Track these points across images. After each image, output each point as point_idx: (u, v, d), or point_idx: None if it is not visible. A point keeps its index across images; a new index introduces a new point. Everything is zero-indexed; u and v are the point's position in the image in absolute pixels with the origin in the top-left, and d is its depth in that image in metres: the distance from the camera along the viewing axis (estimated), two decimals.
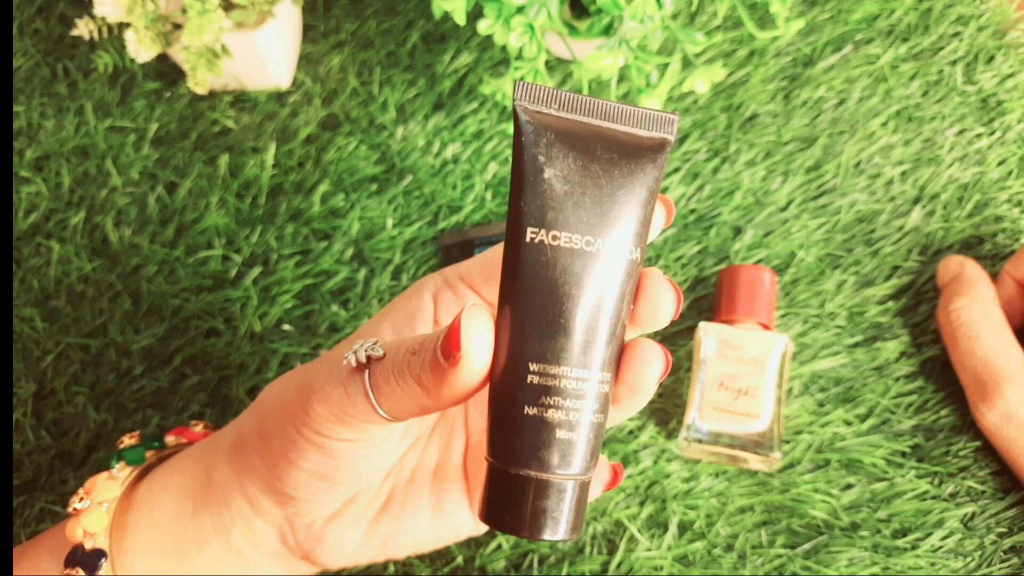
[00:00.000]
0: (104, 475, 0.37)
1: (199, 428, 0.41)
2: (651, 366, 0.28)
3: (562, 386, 0.26)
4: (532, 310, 0.27)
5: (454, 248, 0.49)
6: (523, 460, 0.26)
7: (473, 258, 0.35)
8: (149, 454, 0.38)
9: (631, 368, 0.28)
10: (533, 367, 0.26)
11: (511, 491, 0.27)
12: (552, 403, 0.26)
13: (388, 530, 0.36)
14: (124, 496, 0.36)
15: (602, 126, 0.28)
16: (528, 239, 0.27)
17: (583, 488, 0.27)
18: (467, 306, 0.27)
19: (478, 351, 0.26)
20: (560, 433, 0.26)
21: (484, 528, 0.37)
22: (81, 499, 0.35)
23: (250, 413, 0.37)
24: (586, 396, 0.27)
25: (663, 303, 0.28)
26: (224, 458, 0.36)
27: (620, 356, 0.28)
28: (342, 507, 0.35)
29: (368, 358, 0.29)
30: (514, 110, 0.28)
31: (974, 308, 0.45)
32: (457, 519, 0.37)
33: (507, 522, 0.27)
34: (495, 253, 0.33)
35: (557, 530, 0.27)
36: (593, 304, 0.27)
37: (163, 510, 0.36)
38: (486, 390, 0.28)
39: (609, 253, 0.27)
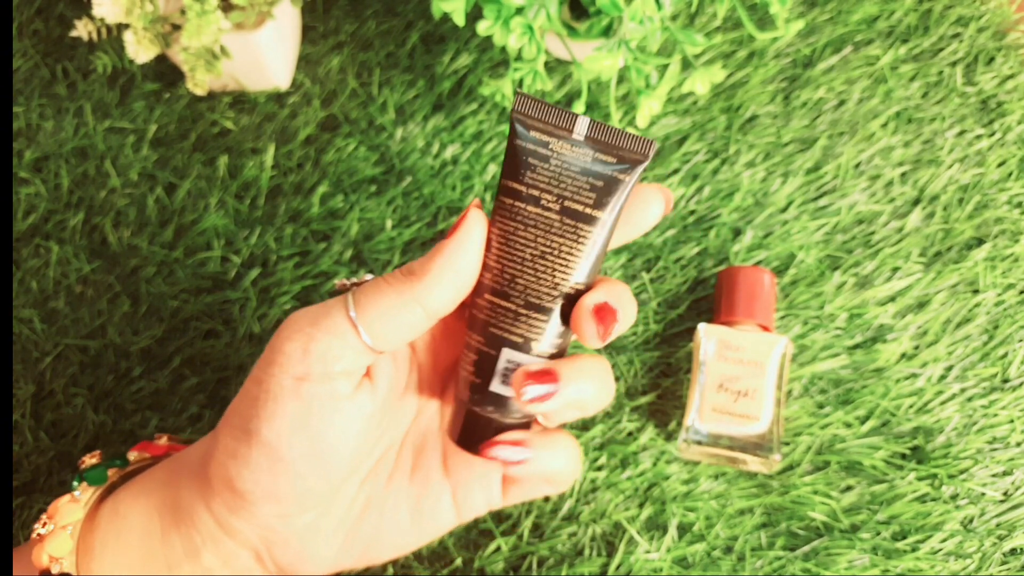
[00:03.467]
0: (67, 498, 0.36)
1: (163, 441, 0.40)
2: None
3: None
4: None
5: None
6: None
7: None
8: (111, 472, 0.37)
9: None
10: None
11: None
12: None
13: (367, 538, 0.36)
14: (88, 517, 0.35)
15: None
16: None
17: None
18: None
19: (476, 222, 0.31)
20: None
21: (467, 519, 0.37)
22: (44, 524, 0.34)
23: (215, 429, 0.36)
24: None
25: (587, 333, 0.31)
26: (189, 480, 0.35)
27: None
28: (317, 520, 0.34)
29: (357, 281, 0.32)
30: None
31: None
32: (438, 518, 0.36)
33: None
34: None
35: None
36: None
37: (131, 532, 0.35)
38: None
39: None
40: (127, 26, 0.49)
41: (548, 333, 0.32)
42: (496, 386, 0.33)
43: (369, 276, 0.32)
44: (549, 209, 0.32)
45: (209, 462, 0.33)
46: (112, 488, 0.37)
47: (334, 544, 0.35)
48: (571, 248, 0.32)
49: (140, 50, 0.48)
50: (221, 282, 0.51)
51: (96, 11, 0.47)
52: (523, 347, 0.32)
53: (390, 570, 0.44)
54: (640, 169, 0.32)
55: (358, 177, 0.53)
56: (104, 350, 0.49)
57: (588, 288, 0.32)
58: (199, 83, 0.51)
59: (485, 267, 0.33)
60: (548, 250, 0.32)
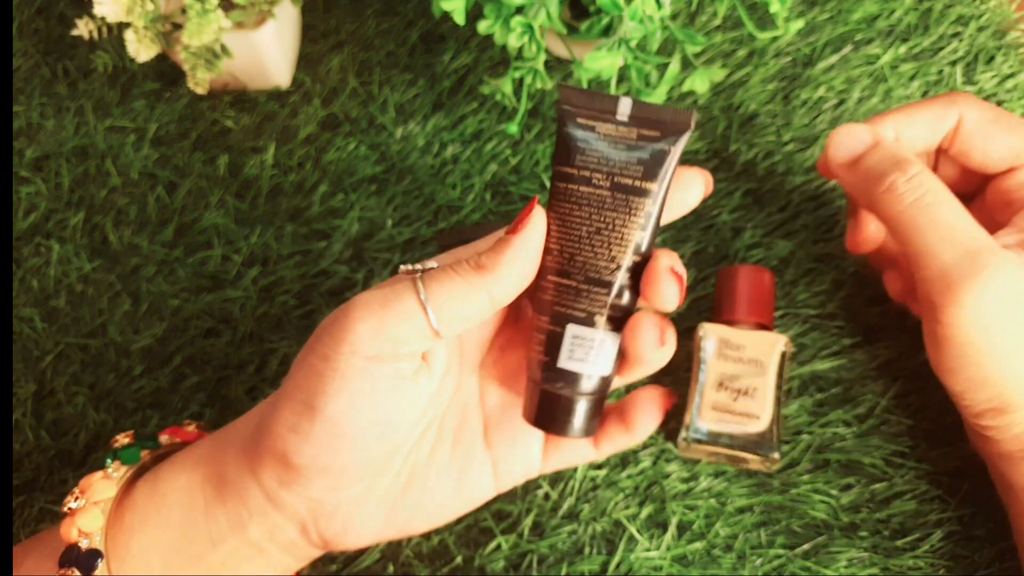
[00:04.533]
0: (99, 474, 0.36)
1: (191, 428, 0.41)
2: (648, 337, 0.34)
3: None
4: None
5: (453, 247, 0.49)
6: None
7: (492, 235, 0.36)
8: (144, 453, 0.38)
9: (635, 341, 0.34)
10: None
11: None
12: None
13: (410, 509, 0.36)
14: (120, 496, 0.36)
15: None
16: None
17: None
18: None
19: (540, 217, 0.34)
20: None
21: (505, 488, 0.38)
22: (76, 498, 0.35)
23: (265, 402, 0.37)
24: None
25: (668, 292, 0.34)
26: (236, 454, 0.35)
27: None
28: (365, 492, 0.35)
29: (423, 268, 0.33)
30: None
31: (930, 174, 0.37)
32: (479, 488, 0.38)
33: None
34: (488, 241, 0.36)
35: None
36: None
37: (172, 508, 0.35)
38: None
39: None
40: (128, 25, 0.49)
41: (611, 305, 0.34)
42: (564, 362, 0.34)
43: (432, 264, 0.34)
44: (600, 187, 0.34)
45: (263, 436, 0.34)
46: (144, 469, 0.38)
47: (379, 516, 0.36)
48: (625, 221, 0.34)
49: (141, 49, 0.49)
50: (221, 281, 0.51)
51: (97, 10, 0.47)
52: (587, 321, 0.34)
53: (390, 568, 0.44)
54: (684, 139, 0.34)
55: (358, 176, 0.53)
56: (105, 349, 0.49)
57: (646, 259, 0.34)
58: (200, 82, 0.51)
59: (545, 251, 0.35)
60: (603, 225, 0.34)
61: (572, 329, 0.34)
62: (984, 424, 0.38)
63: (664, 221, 0.35)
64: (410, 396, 0.33)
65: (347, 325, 0.32)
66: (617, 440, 0.38)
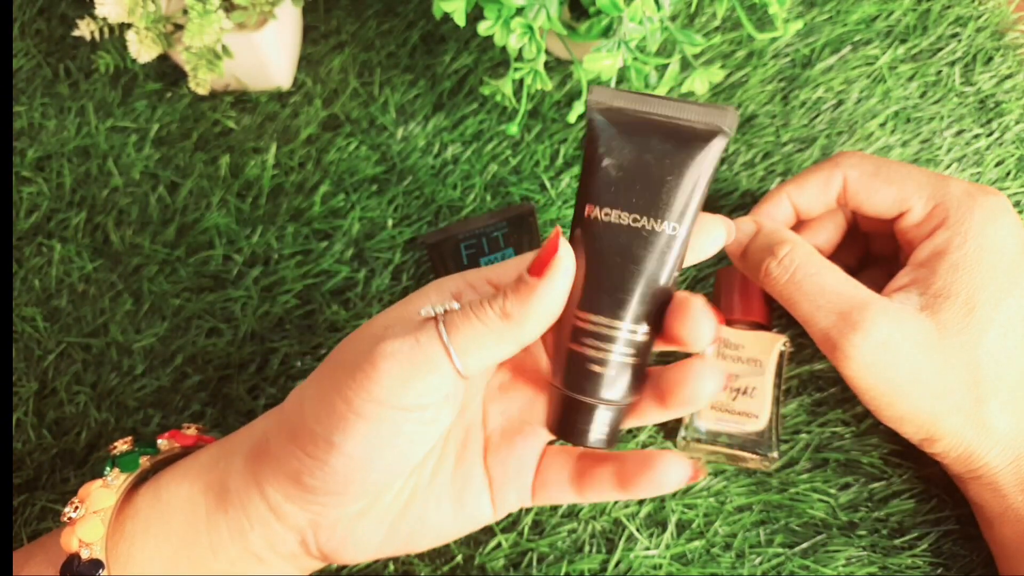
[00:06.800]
0: (98, 483, 0.36)
1: (191, 431, 0.41)
2: (701, 384, 0.33)
3: (596, 331, 0.32)
4: (582, 271, 0.33)
5: (439, 246, 0.49)
6: (570, 385, 0.33)
7: (504, 263, 0.35)
8: (143, 460, 0.38)
9: (682, 384, 0.33)
10: (579, 314, 0.33)
11: (565, 408, 0.34)
12: (589, 344, 0.33)
13: (410, 527, 0.37)
14: (120, 504, 0.36)
15: (661, 120, 0.32)
16: (586, 214, 0.33)
17: (618, 411, 0.34)
18: (557, 229, 0.32)
19: (568, 260, 0.31)
20: (593, 367, 0.33)
21: (502, 515, 0.38)
22: (75, 507, 0.35)
23: (273, 415, 0.37)
24: (616, 341, 0.32)
25: (703, 328, 0.32)
26: (241, 465, 0.35)
27: (658, 312, 0.33)
28: (367, 507, 0.35)
29: (445, 311, 0.32)
30: (588, 108, 0.33)
31: (801, 249, 0.40)
32: (478, 512, 0.37)
33: (562, 431, 0.34)
34: (526, 259, 0.35)
35: (599, 440, 0.33)
36: (631, 270, 0.32)
37: (174, 517, 0.36)
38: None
39: (651, 230, 0.32)
40: (129, 26, 0.49)
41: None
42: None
43: (455, 304, 0.33)
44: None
45: (274, 452, 0.34)
46: (144, 476, 0.38)
47: (379, 532, 0.36)
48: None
49: (142, 50, 0.49)
50: (223, 280, 0.51)
51: (98, 11, 0.47)
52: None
53: (391, 567, 0.44)
54: (713, 165, 0.32)
55: (359, 176, 0.53)
56: (107, 348, 0.49)
57: (669, 295, 0.33)
58: (201, 83, 0.51)
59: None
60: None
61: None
62: (927, 451, 0.41)
63: (687, 263, 0.34)
64: (430, 435, 0.33)
65: (373, 375, 0.31)
66: (604, 489, 0.37)
